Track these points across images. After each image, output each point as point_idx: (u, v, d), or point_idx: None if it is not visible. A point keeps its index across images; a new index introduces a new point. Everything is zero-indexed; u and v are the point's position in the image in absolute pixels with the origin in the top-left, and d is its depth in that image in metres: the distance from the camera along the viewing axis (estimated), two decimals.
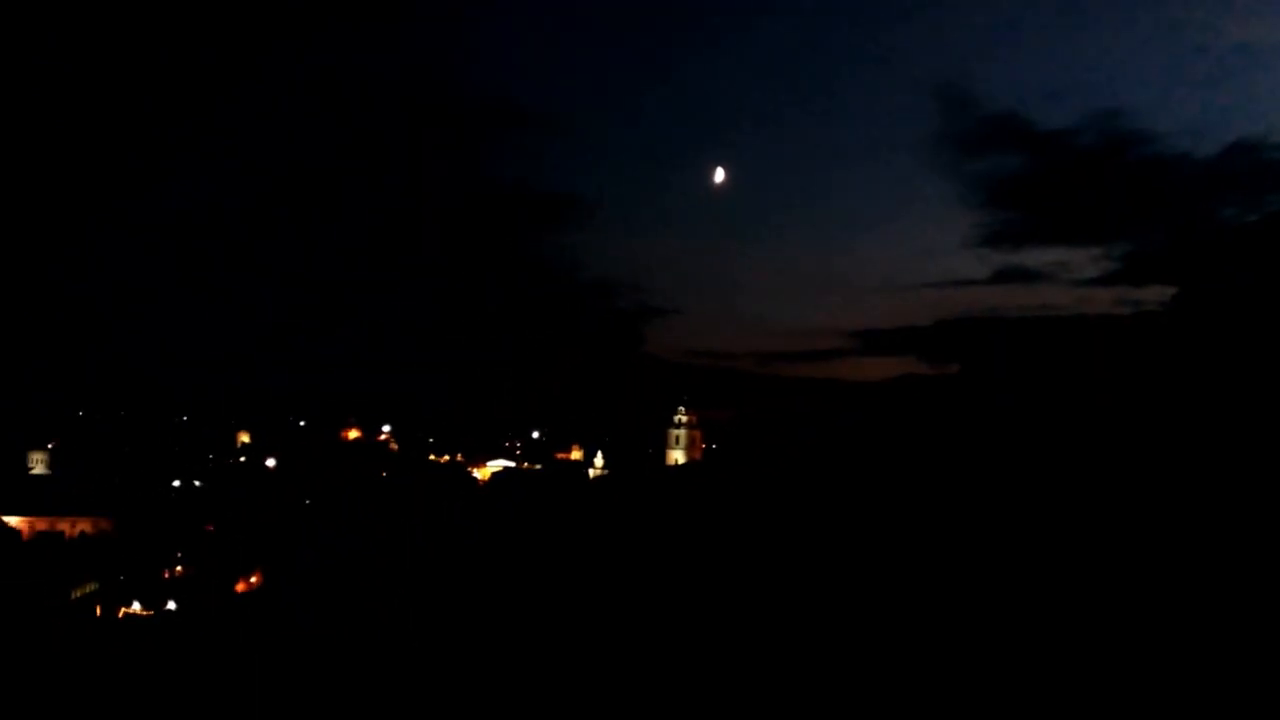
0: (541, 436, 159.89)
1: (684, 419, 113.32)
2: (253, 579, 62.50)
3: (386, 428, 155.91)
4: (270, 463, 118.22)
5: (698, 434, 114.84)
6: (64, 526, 73.27)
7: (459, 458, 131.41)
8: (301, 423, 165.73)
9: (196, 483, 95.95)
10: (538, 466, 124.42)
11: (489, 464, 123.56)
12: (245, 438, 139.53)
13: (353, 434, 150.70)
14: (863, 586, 38.44)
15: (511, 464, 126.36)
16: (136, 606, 56.64)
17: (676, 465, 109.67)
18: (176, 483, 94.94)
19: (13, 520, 72.79)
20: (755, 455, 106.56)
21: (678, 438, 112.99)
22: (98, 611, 55.70)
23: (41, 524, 73.46)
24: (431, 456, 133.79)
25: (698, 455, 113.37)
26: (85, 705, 38.84)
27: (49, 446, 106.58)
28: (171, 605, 57.14)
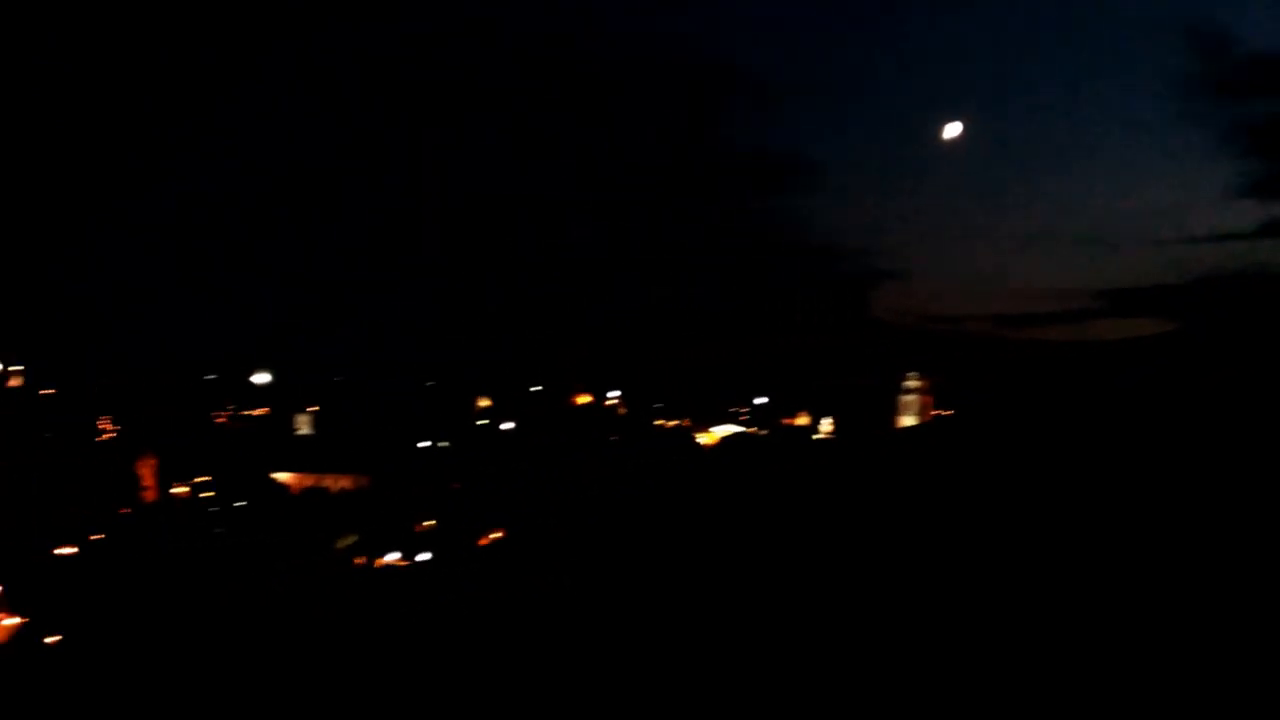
0: (768, 402, 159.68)
1: (915, 384, 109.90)
2: (495, 534, 66.31)
3: (615, 393, 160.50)
4: (507, 426, 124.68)
5: (928, 400, 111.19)
6: (327, 483, 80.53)
7: (685, 423, 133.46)
8: (535, 388, 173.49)
9: (443, 444, 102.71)
10: (764, 432, 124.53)
11: (715, 429, 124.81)
12: (485, 402, 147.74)
13: (582, 399, 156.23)
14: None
15: (739, 429, 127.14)
16: (393, 557, 61.50)
17: (907, 429, 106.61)
18: (425, 444, 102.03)
19: (283, 476, 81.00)
20: (1001, 420, 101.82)
21: (907, 404, 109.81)
22: (359, 561, 61.01)
23: (308, 480, 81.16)
24: (659, 421, 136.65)
25: (928, 420, 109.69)
26: (355, 648, 42.63)
27: (312, 410, 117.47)
28: (424, 556, 61.66)
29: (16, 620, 49.58)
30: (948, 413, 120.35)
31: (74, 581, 54.03)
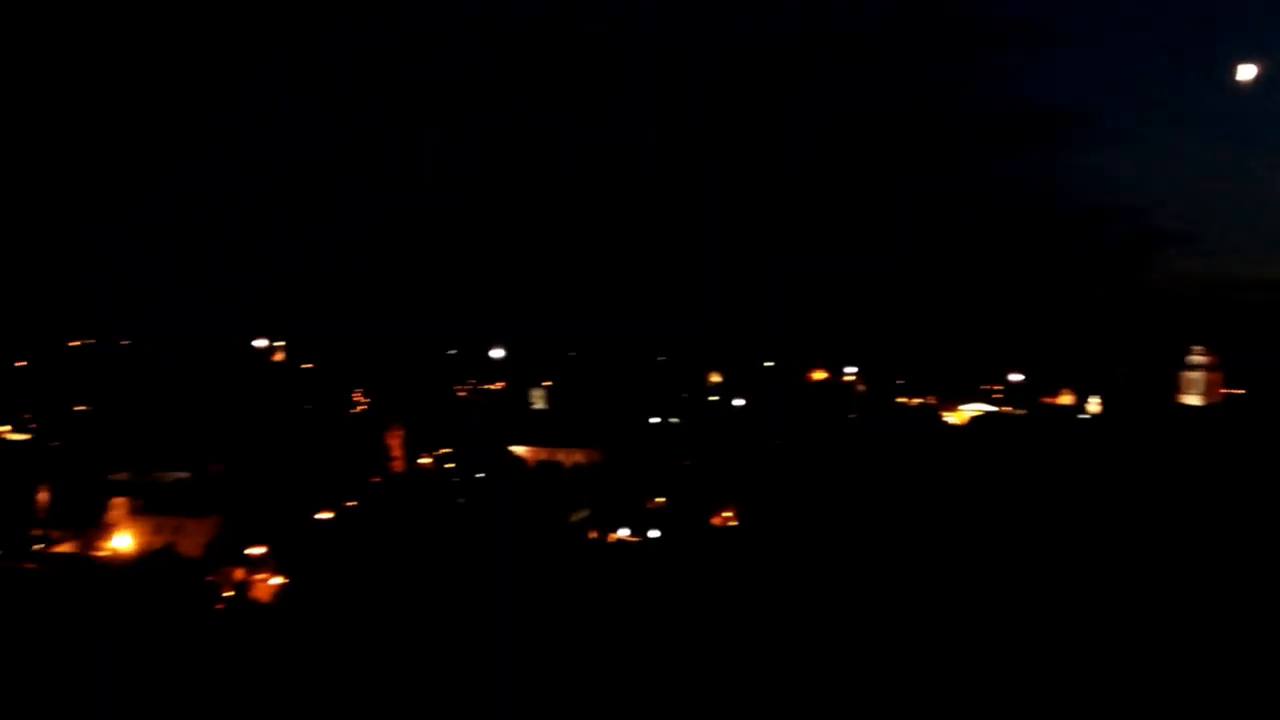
0: (1025, 379, 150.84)
1: (1200, 360, 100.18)
2: (726, 514, 66.05)
3: (853, 369, 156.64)
4: (738, 402, 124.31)
5: (1216, 377, 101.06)
6: (561, 457, 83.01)
7: (930, 400, 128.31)
8: (768, 364, 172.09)
9: (673, 420, 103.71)
10: (1021, 411, 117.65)
11: (964, 408, 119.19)
12: (716, 378, 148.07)
13: (818, 375, 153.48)
14: None
15: (991, 408, 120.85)
16: (624, 533, 62.49)
17: (1192, 409, 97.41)
18: (656, 419, 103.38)
19: (520, 450, 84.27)
20: None
21: (1191, 382, 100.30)
22: (592, 535, 62.44)
23: (543, 454, 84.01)
24: (901, 399, 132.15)
25: (1216, 401, 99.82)
26: (586, 616, 43.57)
27: (546, 385, 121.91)
28: (654, 533, 62.28)
29: (280, 580, 54.17)
30: (1239, 392, 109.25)
31: (332, 545, 58.47)
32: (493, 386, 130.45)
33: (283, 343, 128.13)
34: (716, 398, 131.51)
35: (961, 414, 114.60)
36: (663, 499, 68.79)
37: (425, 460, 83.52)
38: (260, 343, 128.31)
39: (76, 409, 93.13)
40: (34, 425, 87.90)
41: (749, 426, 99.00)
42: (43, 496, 64.67)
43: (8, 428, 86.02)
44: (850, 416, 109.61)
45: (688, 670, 38.55)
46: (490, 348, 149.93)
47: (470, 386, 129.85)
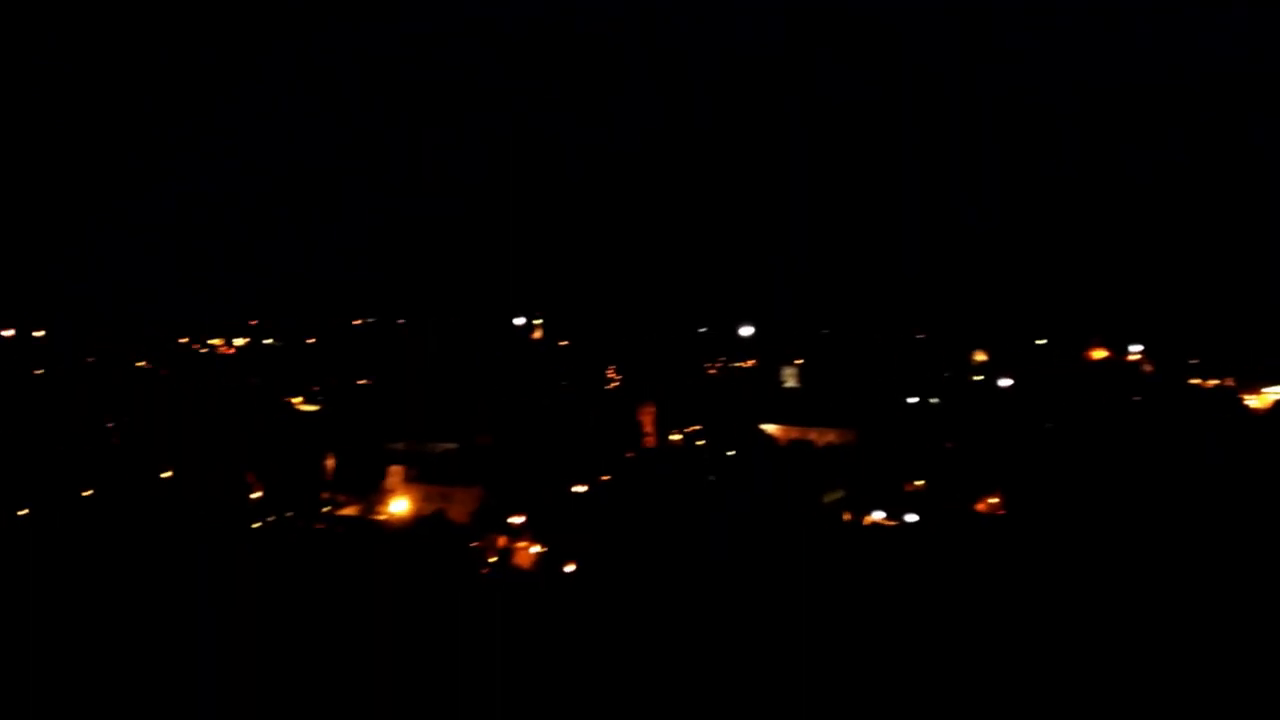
0: None
1: None
2: (992, 499, 63.45)
3: (1138, 347, 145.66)
4: (1005, 383, 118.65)
5: None
6: (813, 436, 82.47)
7: (1228, 382, 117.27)
8: (1041, 341, 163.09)
9: (933, 400, 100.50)
10: None
11: (1270, 390, 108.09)
12: (981, 357, 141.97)
13: (1098, 354, 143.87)
14: None
15: None
16: (879, 516, 61.39)
17: None
18: (914, 399, 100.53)
19: (770, 428, 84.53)
20: None
21: None
22: (846, 517, 61.76)
23: (794, 433, 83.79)
24: (1195, 380, 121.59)
25: None
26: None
27: (798, 363, 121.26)
28: (912, 518, 60.81)
29: (539, 549, 57.25)
30: None
31: (587, 516, 61.12)
32: (744, 364, 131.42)
33: (540, 321, 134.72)
34: (981, 377, 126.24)
35: (1265, 397, 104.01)
36: (921, 482, 67.05)
37: (676, 437, 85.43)
38: (520, 321, 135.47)
39: (359, 383, 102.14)
40: (322, 398, 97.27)
41: (1016, 408, 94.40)
42: (330, 463, 71.59)
43: (299, 399, 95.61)
44: (1134, 399, 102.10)
45: (942, 665, 37.55)
46: (741, 325, 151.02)
47: (721, 364, 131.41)
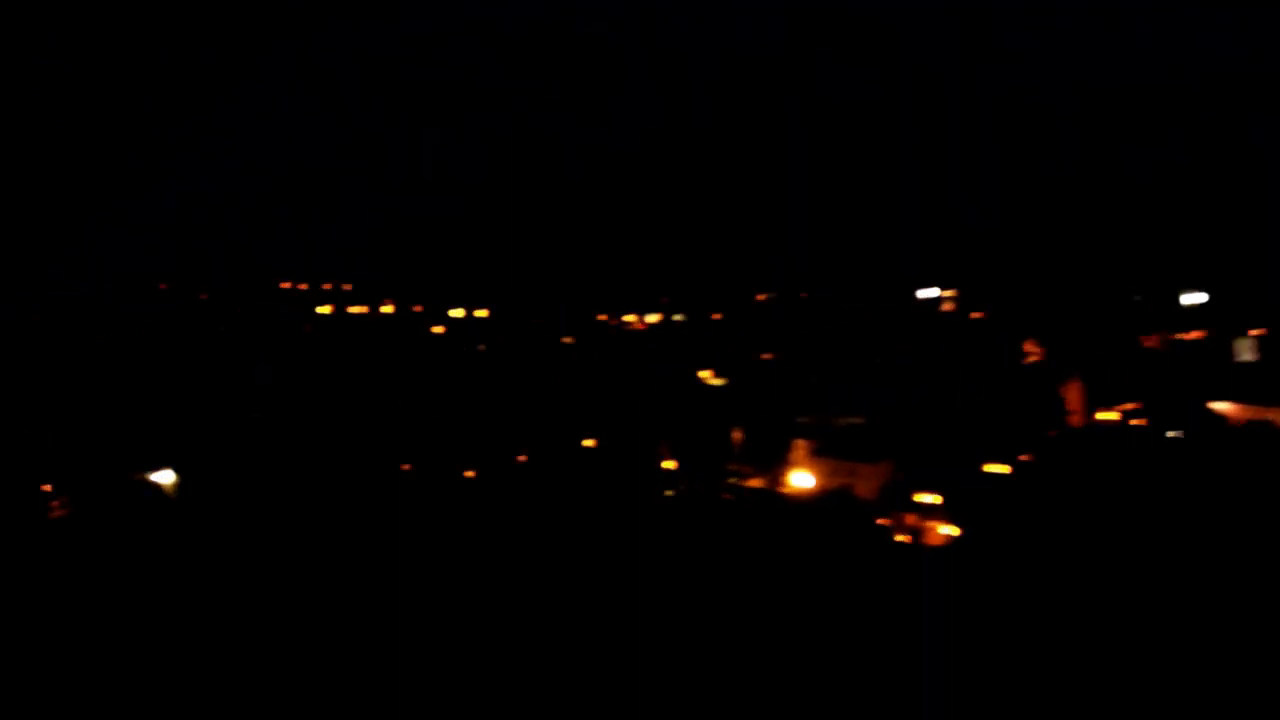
0: None
1: None
2: None
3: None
4: None
5: None
6: (1271, 416, 73.02)
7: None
8: None
9: None
10: None
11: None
12: None
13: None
14: None
15: None
16: None
17: None
18: None
19: (1221, 406, 75.81)
20: None
21: None
22: None
23: (1250, 412, 74.55)
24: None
25: None
26: None
27: (1256, 334, 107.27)
28: None
29: (952, 530, 55.62)
30: None
31: (1005, 498, 58.47)
32: (1188, 336, 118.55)
33: (952, 292, 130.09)
34: None
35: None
36: None
37: (1107, 415, 79.23)
38: (928, 293, 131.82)
39: (764, 356, 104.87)
40: (728, 372, 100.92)
41: None
42: (736, 435, 74.24)
43: (708, 373, 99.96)
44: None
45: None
46: (1183, 293, 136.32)
47: (1160, 336, 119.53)
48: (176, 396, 69.96)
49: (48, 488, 55.90)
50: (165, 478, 59.83)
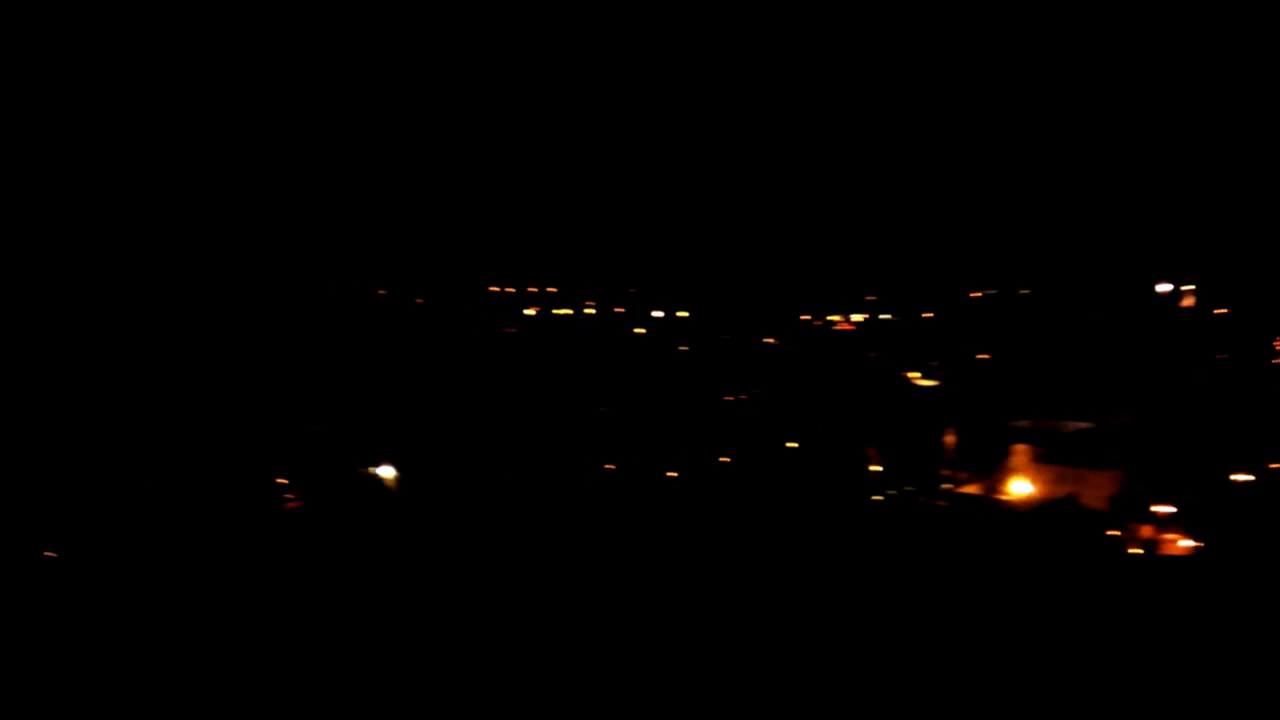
0: None
1: None
2: None
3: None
4: None
5: None
6: None
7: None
8: None
9: None
10: None
11: None
12: None
13: None
14: None
15: None
16: None
17: None
18: None
19: None
20: None
21: None
22: None
23: None
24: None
25: None
26: None
27: None
28: None
29: (1192, 543, 51.87)
30: None
31: (1250, 508, 54.05)
32: None
33: (1192, 287, 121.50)
34: None
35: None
36: None
37: None
38: (1165, 287, 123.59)
39: (979, 356, 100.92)
40: (940, 372, 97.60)
41: None
42: (949, 439, 71.60)
43: (917, 374, 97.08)
44: None
45: None
46: None
47: None
48: (401, 393, 73.93)
49: (283, 480, 60.04)
50: (387, 472, 63.25)
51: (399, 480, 63.18)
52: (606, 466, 68.08)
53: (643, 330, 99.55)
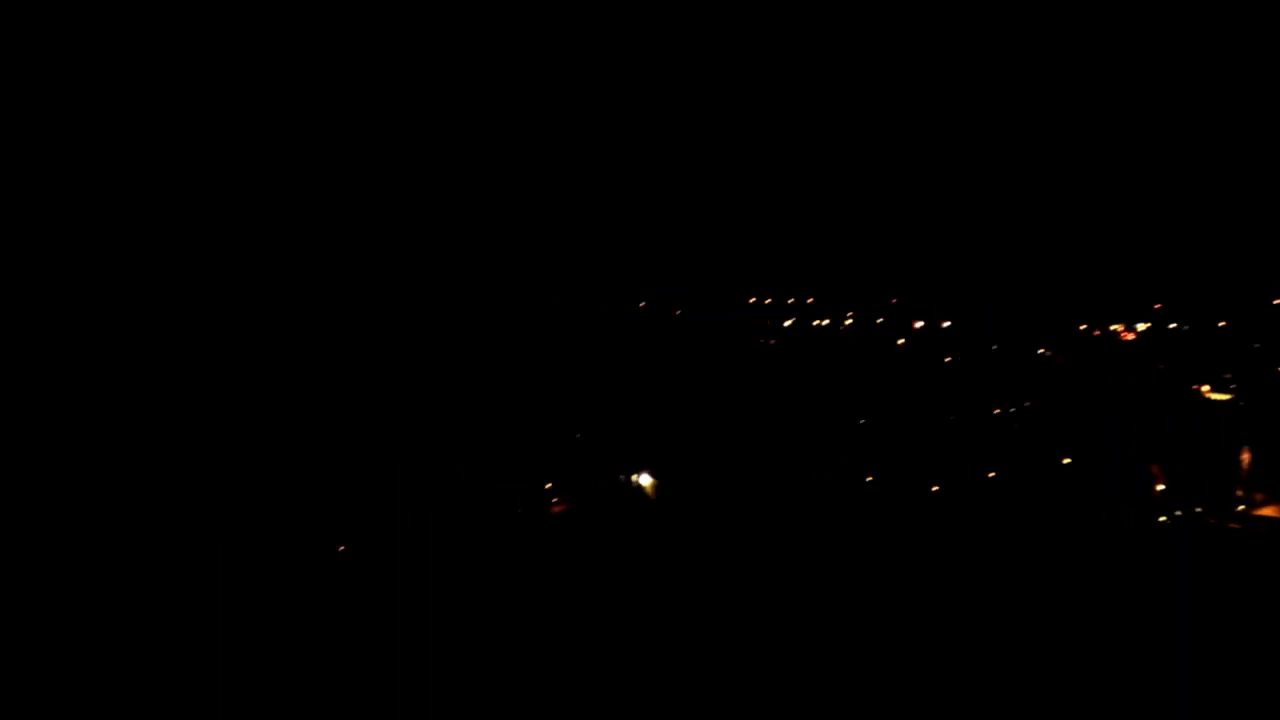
0: None
1: None
2: None
3: None
4: None
5: None
6: None
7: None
8: None
9: None
10: None
11: None
12: None
13: None
14: None
15: None
16: None
17: None
18: None
19: None
20: None
21: None
22: None
23: None
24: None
25: None
26: None
27: None
28: None
29: None
30: None
31: None
32: None
33: None
34: None
35: None
36: None
37: None
38: None
39: (1279, 368, 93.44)
40: (1234, 385, 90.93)
41: None
42: (1244, 457, 66.88)
43: (1207, 386, 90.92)
44: None
45: None
46: None
47: None
48: (652, 403, 76.77)
49: (549, 485, 63.91)
50: (645, 480, 66.18)
51: (656, 488, 65.85)
52: (867, 479, 68.12)
53: (902, 341, 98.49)
